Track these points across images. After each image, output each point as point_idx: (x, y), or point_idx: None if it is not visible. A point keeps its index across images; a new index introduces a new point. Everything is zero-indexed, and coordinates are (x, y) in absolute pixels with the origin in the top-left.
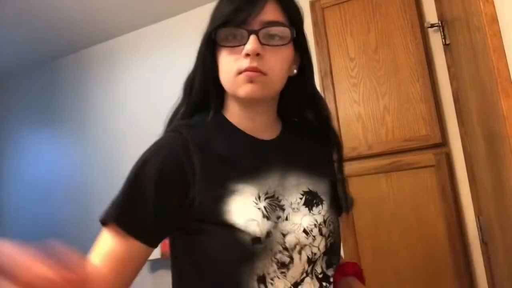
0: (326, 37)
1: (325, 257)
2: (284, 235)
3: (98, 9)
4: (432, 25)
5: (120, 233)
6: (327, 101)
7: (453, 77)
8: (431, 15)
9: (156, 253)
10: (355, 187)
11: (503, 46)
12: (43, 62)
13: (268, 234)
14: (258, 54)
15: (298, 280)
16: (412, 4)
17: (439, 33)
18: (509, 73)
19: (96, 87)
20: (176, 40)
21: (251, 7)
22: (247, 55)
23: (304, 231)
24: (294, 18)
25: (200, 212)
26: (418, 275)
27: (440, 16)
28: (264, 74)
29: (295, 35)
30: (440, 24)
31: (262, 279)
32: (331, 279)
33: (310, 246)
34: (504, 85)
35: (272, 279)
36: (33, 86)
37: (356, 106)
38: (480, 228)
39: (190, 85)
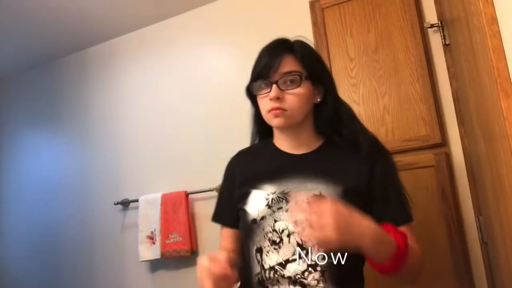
0: (325, 38)
1: (321, 249)
2: (275, 221)
3: (98, 9)
4: (432, 25)
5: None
6: None
7: (453, 77)
8: (431, 15)
9: (156, 253)
10: None
11: (502, 46)
12: (43, 62)
13: (263, 218)
14: (278, 98)
15: (290, 259)
16: (412, 5)
17: (439, 33)
18: (509, 73)
19: (96, 88)
20: (176, 40)
21: (273, 62)
22: (271, 99)
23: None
24: (307, 63)
25: (238, 203)
26: None
27: (440, 16)
28: (285, 110)
29: (304, 78)
30: (439, 24)
31: (259, 250)
32: (318, 268)
33: (299, 234)
34: (503, 85)
35: (268, 252)
36: (33, 86)
37: (356, 106)
38: (480, 228)
39: (253, 118)
